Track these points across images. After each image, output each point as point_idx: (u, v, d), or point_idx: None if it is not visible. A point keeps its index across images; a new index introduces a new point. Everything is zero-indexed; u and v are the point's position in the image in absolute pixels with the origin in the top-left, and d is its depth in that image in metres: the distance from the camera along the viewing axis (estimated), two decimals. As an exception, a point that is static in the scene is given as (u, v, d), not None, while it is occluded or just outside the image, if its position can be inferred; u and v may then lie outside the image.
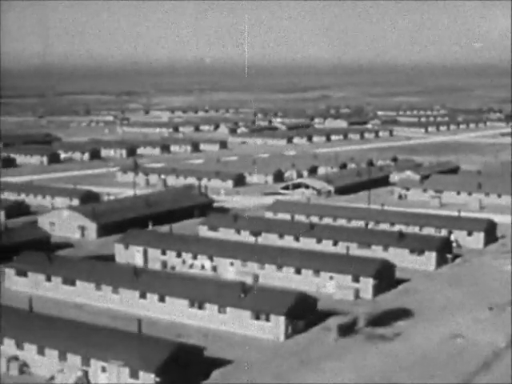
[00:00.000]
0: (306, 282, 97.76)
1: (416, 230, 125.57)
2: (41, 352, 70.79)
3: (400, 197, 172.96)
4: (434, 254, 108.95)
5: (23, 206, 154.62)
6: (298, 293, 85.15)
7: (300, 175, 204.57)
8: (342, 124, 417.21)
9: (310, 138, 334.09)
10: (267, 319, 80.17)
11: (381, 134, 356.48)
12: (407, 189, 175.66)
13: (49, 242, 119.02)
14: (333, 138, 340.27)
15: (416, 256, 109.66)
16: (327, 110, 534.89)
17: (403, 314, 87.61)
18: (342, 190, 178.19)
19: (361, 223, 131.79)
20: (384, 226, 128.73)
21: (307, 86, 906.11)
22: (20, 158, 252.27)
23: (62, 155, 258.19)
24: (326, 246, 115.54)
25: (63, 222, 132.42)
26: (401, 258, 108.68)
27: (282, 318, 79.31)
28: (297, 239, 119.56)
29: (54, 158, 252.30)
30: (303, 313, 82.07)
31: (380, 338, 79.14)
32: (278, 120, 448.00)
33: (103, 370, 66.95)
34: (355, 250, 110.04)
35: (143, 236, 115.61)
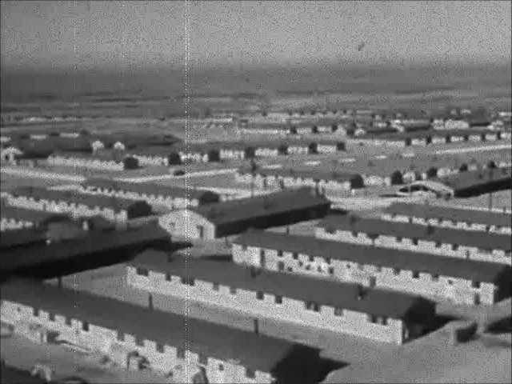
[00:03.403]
0: (423, 285, 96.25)
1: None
2: (160, 349, 72.46)
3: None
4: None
5: (144, 207, 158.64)
6: (415, 297, 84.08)
7: (419, 177, 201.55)
8: (462, 125, 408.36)
9: (429, 140, 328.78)
10: (384, 322, 79.42)
11: (503, 135, 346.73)
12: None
13: (169, 241, 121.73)
14: (453, 139, 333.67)
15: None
16: (447, 111, 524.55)
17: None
18: (462, 193, 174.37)
19: (482, 227, 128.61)
20: (506, 230, 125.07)
21: (427, 87, 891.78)
22: (142, 159, 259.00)
23: (183, 156, 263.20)
24: (445, 249, 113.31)
25: (183, 222, 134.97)
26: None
27: (399, 322, 78.41)
28: (415, 242, 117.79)
29: (175, 159, 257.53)
30: (421, 317, 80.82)
31: (501, 345, 76.93)
32: (397, 121, 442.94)
33: (220, 368, 67.90)
34: (475, 255, 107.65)
35: (260, 237, 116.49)
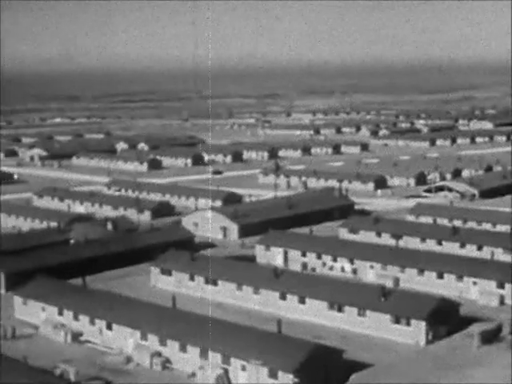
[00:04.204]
0: (448, 286, 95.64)
1: None
2: (183, 349, 72.52)
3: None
4: None
5: (168, 207, 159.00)
6: (439, 298, 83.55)
7: (443, 178, 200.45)
8: (487, 125, 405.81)
9: (453, 140, 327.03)
10: (408, 324, 79.01)
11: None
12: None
13: (192, 241, 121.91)
14: (478, 139, 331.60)
15: None
16: (472, 112, 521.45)
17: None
18: (487, 194, 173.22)
19: (506, 228, 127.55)
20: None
21: (451, 87, 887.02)
22: (166, 160, 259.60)
23: (206, 157, 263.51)
24: (470, 250, 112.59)
25: (206, 223, 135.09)
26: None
27: (422, 323, 77.96)
28: (439, 243, 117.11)
29: (198, 160, 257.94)
30: (445, 318, 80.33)
31: (526, 347, 76.31)
32: (421, 122, 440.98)
33: (243, 368, 67.84)
34: (500, 256, 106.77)
35: (284, 237, 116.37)
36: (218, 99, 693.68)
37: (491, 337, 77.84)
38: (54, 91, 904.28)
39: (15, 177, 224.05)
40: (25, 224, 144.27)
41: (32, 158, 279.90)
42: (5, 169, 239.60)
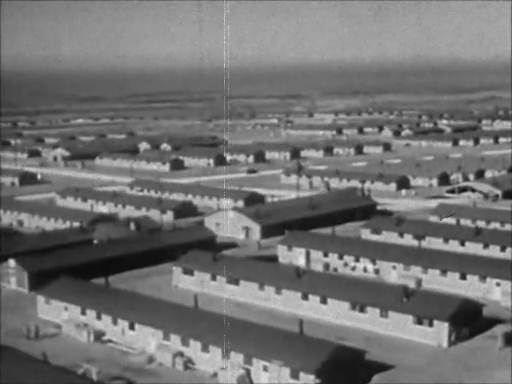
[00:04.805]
0: (471, 287, 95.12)
1: None
2: (205, 349, 72.62)
3: None
4: None
5: (190, 207, 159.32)
6: (462, 299, 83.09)
7: (466, 178, 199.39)
8: (510, 126, 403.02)
9: (476, 141, 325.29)
10: (430, 325, 78.64)
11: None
12: None
13: (214, 241, 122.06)
14: (501, 140, 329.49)
15: None
16: (496, 112, 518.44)
17: None
18: (511, 194, 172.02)
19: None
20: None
21: (474, 87, 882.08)
22: (188, 160, 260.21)
23: (228, 158, 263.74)
24: (493, 251, 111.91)
25: (228, 223, 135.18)
26: None
27: (445, 324, 77.54)
28: (462, 244, 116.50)
29: (221, 161, 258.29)
30: (468, 319, 79.89)
31: (550, 349, 75.74)
32: (444, 122, 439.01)
33: (265, 369, 67.82)
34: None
35: (306, 238, 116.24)
36: (240, 99, 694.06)
37: (515, 338, 77.31)
38: (77, 92, 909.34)
39: (38, 177, 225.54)
40: (48, 224, 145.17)
41: (55, 158, 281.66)
42: (28, 169, 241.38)
